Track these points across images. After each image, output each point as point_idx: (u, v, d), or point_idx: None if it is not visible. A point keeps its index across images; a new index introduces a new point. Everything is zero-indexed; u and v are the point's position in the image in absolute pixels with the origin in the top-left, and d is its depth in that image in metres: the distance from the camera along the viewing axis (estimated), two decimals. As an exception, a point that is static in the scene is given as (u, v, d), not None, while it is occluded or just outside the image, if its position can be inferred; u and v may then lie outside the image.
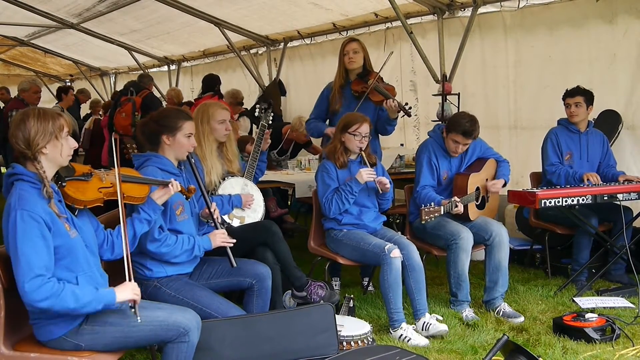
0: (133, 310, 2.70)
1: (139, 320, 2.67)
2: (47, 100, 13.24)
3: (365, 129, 4.23)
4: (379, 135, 5.16)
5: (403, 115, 4.87)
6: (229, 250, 3.37)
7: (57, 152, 2.63)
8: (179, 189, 3.20)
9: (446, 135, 4.55)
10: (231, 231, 3.80)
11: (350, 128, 4.22)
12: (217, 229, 3.45)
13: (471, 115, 4.52)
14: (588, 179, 4.90)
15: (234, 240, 3.42)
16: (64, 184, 2.70)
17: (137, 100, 7.17)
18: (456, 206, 4.18)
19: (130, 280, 2.73)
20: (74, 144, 2.69)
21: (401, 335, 3.92)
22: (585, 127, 5.17)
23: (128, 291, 2.69)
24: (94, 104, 11.56)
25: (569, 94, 5.10)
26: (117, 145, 2.92)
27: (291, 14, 7.94)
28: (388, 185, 4.26)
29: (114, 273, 2.96)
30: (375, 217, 4.40)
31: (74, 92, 10.62)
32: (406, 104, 4.84)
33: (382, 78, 5.02)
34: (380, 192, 4.24)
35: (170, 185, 3.16)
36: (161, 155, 3.45)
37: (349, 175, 4.26)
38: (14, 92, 10.86)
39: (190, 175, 3.52)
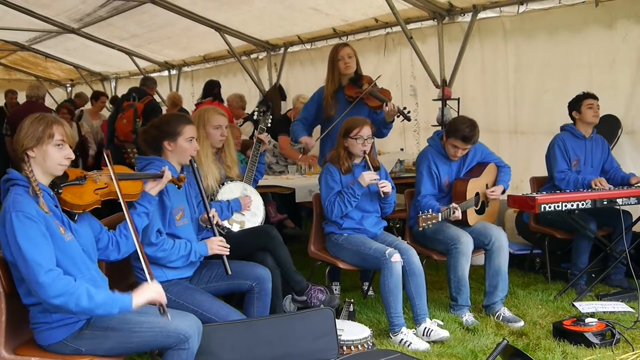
0: (162, 312, 2.69)
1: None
2: (47, 104, 13.23)
3: (366, 131, 4.24)
4: (375, 138, 5.15)
5: (402, 120, 4.86)
6: (224, 258, 3.37)
7: (42, 157, 2.65)
8: (170, 177, 3.22)
9: (446, 139, 4.56)
10: (231, 236, 3.81)
11: (352, 132, 4.23)
12: (214, 235, 3.45)
13: (471, 119, 4.52)
14: (596, 185, 4.89)
15: (229, 247, 3.42)
16: (60, 190, 2.72)
17: (138, 107, 7.17)
18: (454, 212, 4.19)
19: (152, 280, 2.74)
20: (67, 154, 2.69)
21: (402, 339, 3.92)
22: (590, 133, 5.17)
23: (148, 293, 2.69)
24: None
25: (590, 96, 5.08)
26: (110, 157, 2.97)
27: (291, 19, 7.96)
28: (389, 189, 4.26)
29: (115, 276, 2.97)
30: (376, 222, 4.41)
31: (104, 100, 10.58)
32: (404, 108, 4.84)
33: (375, 82, 5.01)
34: (382, 195, 4.25)
35: (160, 174, 3.18)
36: (164, 159, 3.46)
37: (353, 179, 4.27)
38: (19, 96, 10.87)
39: (192, 179, 3.54)
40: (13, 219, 2.51)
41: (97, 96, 10.34)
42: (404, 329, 3.96)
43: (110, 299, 2.61)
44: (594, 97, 5.08)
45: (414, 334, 3.97)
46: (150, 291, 2.70)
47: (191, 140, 3.48)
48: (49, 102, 13.90)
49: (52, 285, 2.48)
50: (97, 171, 2.99)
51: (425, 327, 4.00)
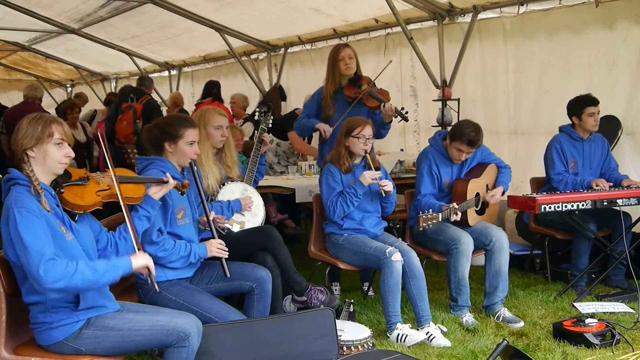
0: (149, 280, 2.79)
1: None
2: (47, 105, 13.25)
3: (368, 131, 4.25)
4: (374, 139, 5.15)
5: (400, 120, 4.86)
6: (223, 261, 3.38)
7: (42, 156, 2.65)
8: (174, 184, 3.23)
9: (450, 143, 4.55)
10: (231, 236, 3.81)
11: (354, 131, 4.24)
12: (214, 237, 3.46)
13: (475, 123, 4.50)
14: (597, 185, 4.89)
15: (227, 250, 3.43)
16: (62, 190, 2.72)
17: (137, 108, 7.16)
18: (455, 214, 4.18)
19: (140, 251, 2.82)
20: (67, 152, 2.69)
21: (398, 334, 3.92)
22: (588, 135, 5.16)
23: (144, 259, 2.76)
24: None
25: (591, 102, 5.00)
26: (106, 144, 2.98)
27: (292, 19, 7.96)
28: (390, 188, 4.26)
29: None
30: (376, 222, 4.41)
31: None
32: (402, 108, 4.84)
33: (374, 83, 5.01)
34: (384, 194, 4.25)
35: (165, 180, 3.18)
36: (165, 159, 3.47)
37: (354, 179, 4.28)
38: (18, 96, 10.87)
39: (192, 181, 3.54)
40: (16, 214, 2.52)
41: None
42: (399, 325, 3.96)
43: (112, 265, 2.66)
44: (595, 103, 5.02)
45: (410, 327, 3.97)
46: (144, 258, 2.78)
47: (192, 144, 3.48)
48: (49, 103, 13.95)
49: (51, 271, 2.48)
50: (100, 172, 2.99)
51: (429, 333, 3.97)
